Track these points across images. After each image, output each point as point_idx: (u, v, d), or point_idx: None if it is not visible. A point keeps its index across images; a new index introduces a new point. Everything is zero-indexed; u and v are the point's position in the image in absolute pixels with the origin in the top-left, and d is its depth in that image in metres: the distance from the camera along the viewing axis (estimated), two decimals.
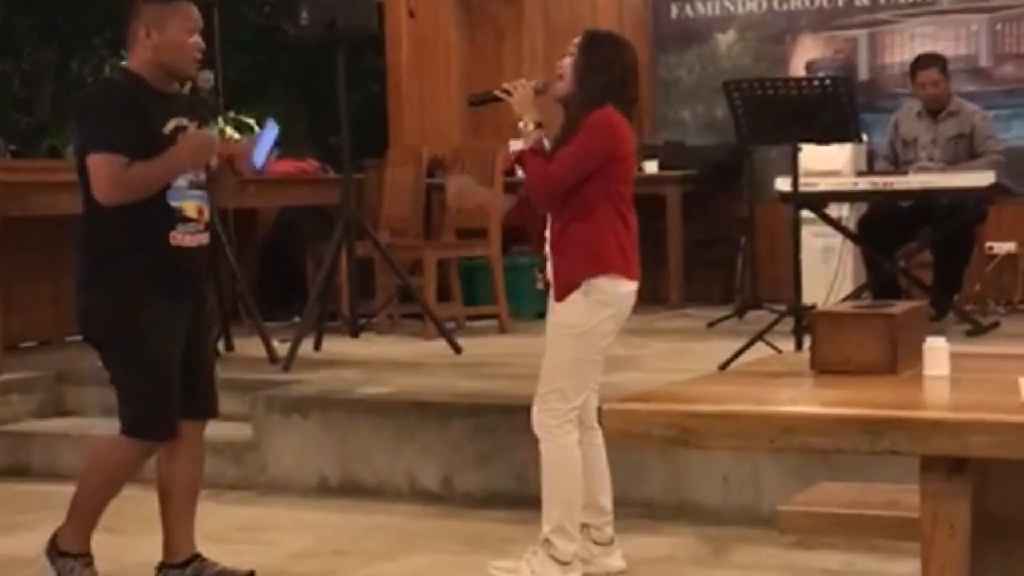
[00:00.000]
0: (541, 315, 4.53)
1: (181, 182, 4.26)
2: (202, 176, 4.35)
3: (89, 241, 4.28)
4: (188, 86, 4.65)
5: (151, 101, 4.25)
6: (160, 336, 4.25)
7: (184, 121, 4.29)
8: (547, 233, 4.37)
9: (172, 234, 4.24)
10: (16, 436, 6.39)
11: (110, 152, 4.14)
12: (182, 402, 4.35)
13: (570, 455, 4.29)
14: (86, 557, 4.40)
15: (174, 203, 4.25)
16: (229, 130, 9.58)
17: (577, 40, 4.37)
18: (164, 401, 4.28)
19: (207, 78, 4.47)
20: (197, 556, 4.47)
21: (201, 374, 4.43)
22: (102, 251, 4.25)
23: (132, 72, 4.30)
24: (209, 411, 4.50)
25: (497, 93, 4.43)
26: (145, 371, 4.26)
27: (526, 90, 4.36)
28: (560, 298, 4.28)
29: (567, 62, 4.33)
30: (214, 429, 6.13)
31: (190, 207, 4.29)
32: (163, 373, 4.26)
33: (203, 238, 4.35)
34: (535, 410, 4.32)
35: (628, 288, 4.31)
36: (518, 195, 4.60)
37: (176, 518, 4.44)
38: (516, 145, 4.43)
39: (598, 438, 4.43)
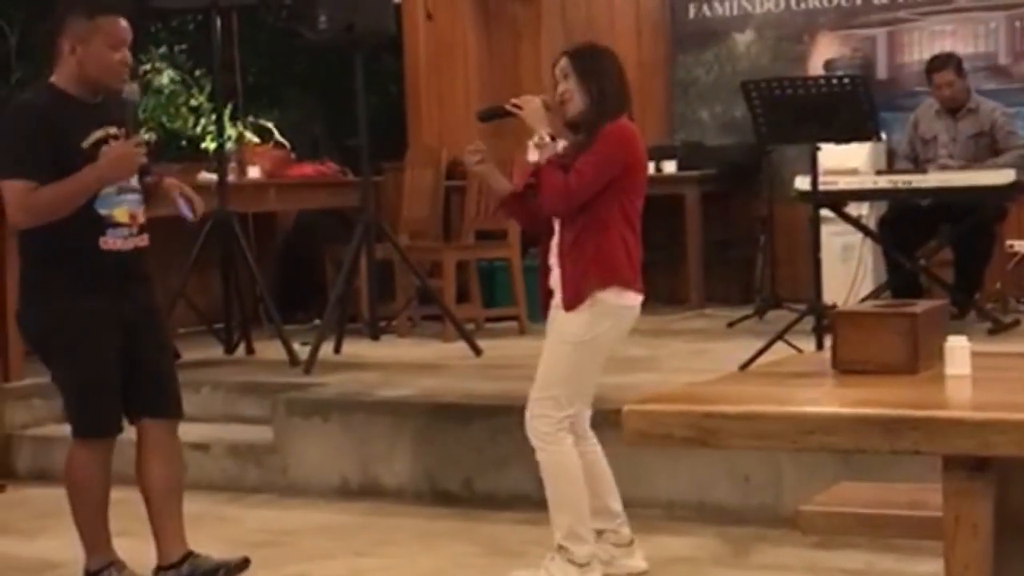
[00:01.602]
0: None
1: (109, 189, 4.28)
2: (134, 181, 4.36)
3: (25, 250, 4.37)
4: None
5: (73, 115, 4.27)
6: (94, 338, 4.30)
7: (112, 129, 4.32)
8: (553, 243, 4.37)
9: (103, 240, 4.28)
10: (39, 440, 6.42)
11: (17, 178, 4.19)
12: (141, 404, 4.40)
13: (568, 460, 4.29)
14: (116, 564, 4.44)
15: (103, 210, 4.28)
16: (248, 134, 9.61)
17: (564, 62, 4.33)
18: (99, 400, 4.34)
19: (133, 90, 4.50)
20: (190, 554, 4.48)
21: (153, 375, 4.44)
22: (36, 259, 4.32)
23: (56, 87, 4.32)
24: (169, 411, 4.50)
25: (508, 107, 4.42)
26: (79, 372, 4.32)
27: (536, 104, 4.35)
28: (569, 308, 4.27)
29: (569, 86, 4.30)
30: (235, 432, 6.23)
31: (120, 213, 4.31)
32: (96, 374, 4.31)
33: (139, 241, 4.37)
34: (528, 416, 4.32)
35: (634, 301, 4.32)
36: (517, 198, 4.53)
37: (161, 520, 4.45)
38: (532, 154, 4.39)
39: (594, 445, 4.44)
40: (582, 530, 4.30)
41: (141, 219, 4.39)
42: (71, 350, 4.31)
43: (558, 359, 4.30)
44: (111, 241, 4.29)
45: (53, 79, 4.34)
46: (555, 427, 4.28)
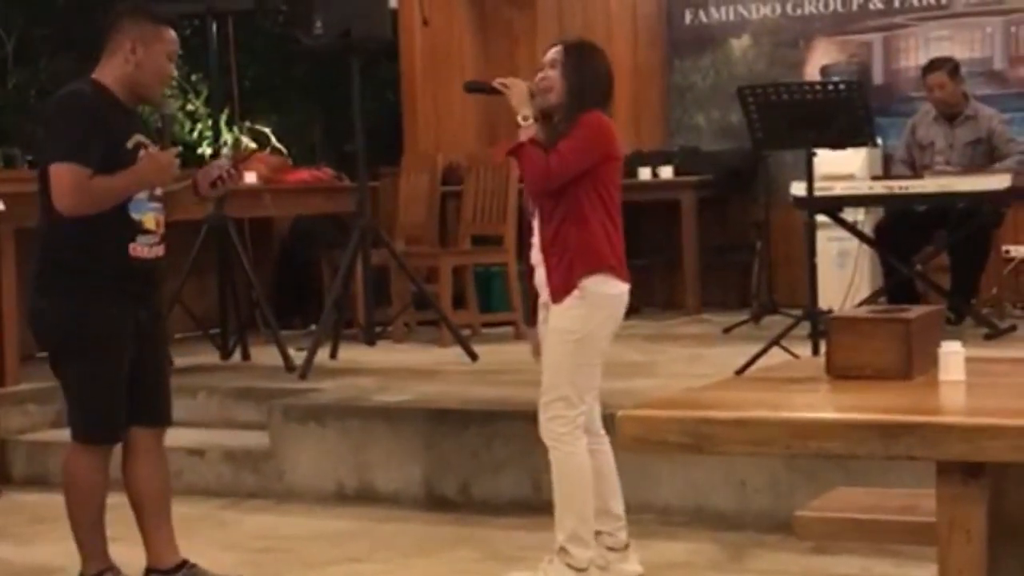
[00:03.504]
0: None
1: (141, 195, 4.30)
2: (158, 190, 4.38)
3: (47, 248, 4.32)
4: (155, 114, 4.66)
5: (116, 115, 4.28)
6: (110, 343, 4.29)
7: (142, 138, 4.34)
8: (534, 240, 4.39)
9: (132, 245, 4.29)
10: (34, 446, 6.42)
11: (75, 163, 4.17)
12: (137, 411, 4.39)
13: (581, 462, 4.30)
14: (112, 569, 4.43)
15: (135, 215, 4.29)
16: (244, 139, 9.61)
17: (557, 50, 4.38)
18: (110, 406, 4.32)
19: (171, 105, 4.56)
20: (186, 563, 4.48)
21: (154, 383, 4.45)
22: (61, 258, 4.28)
23: (101, 84, 4.31)
24: (163, 419, 4.51)
25: (495, 85, 4.45)
26: (94, 376, 4.31)
27: (521, 86, 4.39)
28: (557, 300, 4.29)
29: (553, 74, 4.34)
30: (231, 438, 6.23)
31: (149, 219, 4.33)
32: (111, 379, 4.30)
33: (160, 250, 4.38)
34: (542, 419, 4.33)
35: (620, 289, 4.33)
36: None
37: (151, 526, 4.45)
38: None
39: (605, 444, 4.44)
40: (585, 534, 4.30)
41: (163, 227, 4.40)
42: (89, 354, 4.29)
43: (561, 359, 4.30)
44: (139, 248, 4.30)
45: (96, 76, 4.33)
46: (571, 426, 4.28)
